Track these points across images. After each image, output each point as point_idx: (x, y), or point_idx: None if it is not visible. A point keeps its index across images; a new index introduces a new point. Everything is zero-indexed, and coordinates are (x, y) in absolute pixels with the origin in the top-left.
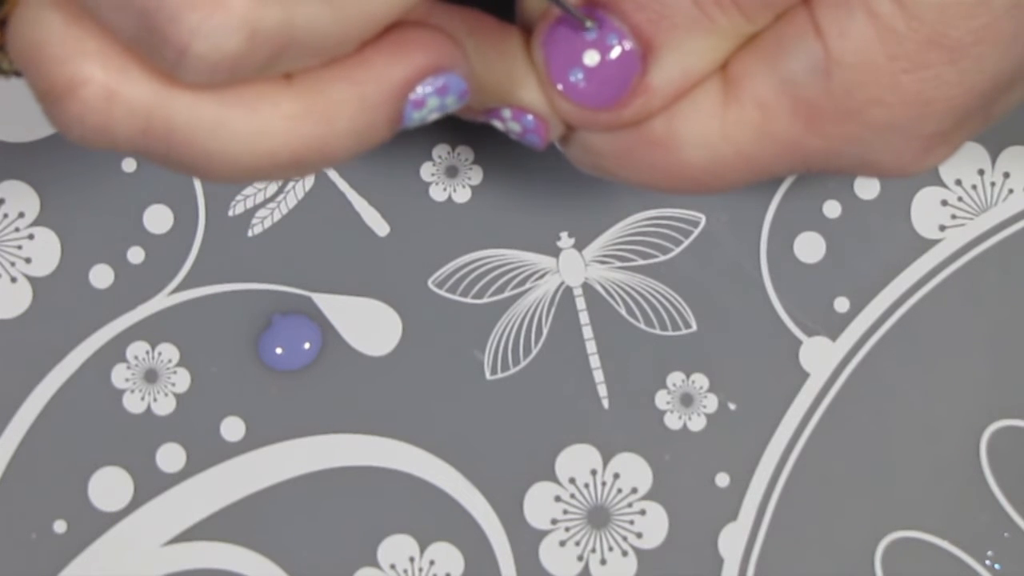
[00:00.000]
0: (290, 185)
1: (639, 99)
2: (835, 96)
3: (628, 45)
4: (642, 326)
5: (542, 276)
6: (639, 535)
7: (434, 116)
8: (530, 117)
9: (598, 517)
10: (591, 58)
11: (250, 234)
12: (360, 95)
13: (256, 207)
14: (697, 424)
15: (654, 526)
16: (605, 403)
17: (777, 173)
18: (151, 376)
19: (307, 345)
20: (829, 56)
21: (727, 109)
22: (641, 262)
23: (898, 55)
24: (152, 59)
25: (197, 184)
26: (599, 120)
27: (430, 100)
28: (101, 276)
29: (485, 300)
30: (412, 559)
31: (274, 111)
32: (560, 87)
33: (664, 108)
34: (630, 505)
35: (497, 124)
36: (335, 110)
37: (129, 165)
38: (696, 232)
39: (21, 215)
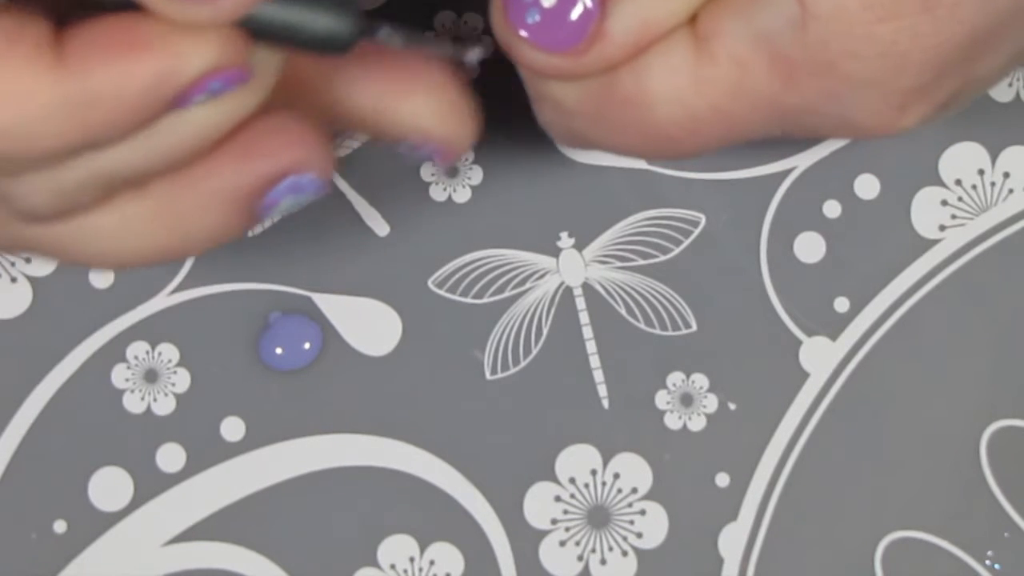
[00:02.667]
0: None
1: (597, 45)
2: (811, 50)
3: None
4: (642, 326)
5: (542, 276)
6: (639, 535)
7: (294, 209)
8: (434, 145)
9: (598, 517)
10: (548, 0)
11: (250, 234)
12: (208, 202)
13: None
14: (697, 424)
15: (654, 526)
16: (605, 403)
17: (753, 132)
18: (151, 376)
19: (307, 345)
20: (804, 9)
21: (700, 65)
22: (641, 262)
23: (872, 4)
24: None
25: None
26: (557, 66)
27: (284, 200)
28: (101, 276)
29: (485, 300)
30: (412, 559)
31: (125, 223)
32: (520, 32)
33: (626, 58)
34: (630, 505)
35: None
36: (185, 217)
37: None
38: (696, 232)
39: None
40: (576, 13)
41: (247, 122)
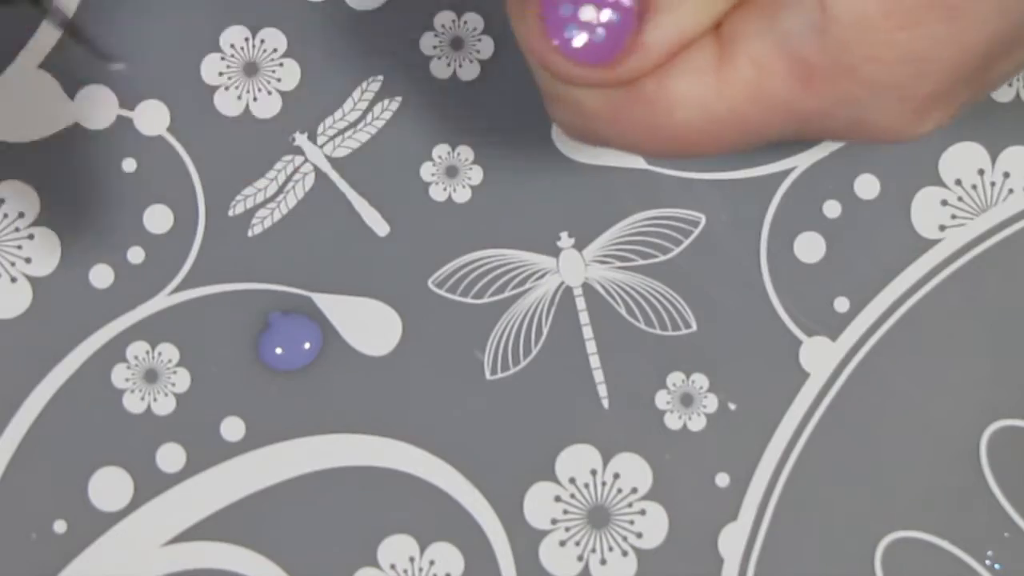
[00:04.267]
0: (290, 185)
1: (633, 56)
2: (831, 54)
3: (626, 2)
4: (642, 326)
5: (542, 276)
6: (639, 535)
7: None
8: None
9: (598, 517)
10: (587, 14)
11: (250, 234)
12: None
13: (256, 207)
14: (697, 424)
15: (654, 526)
16: (605, 403)
17: (771, 136)
18: (151, 376)
19: (307, 345)
20: (825, 13)
21: (721, 68)
22: (641, 262)
23: (893, 11)
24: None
25: (197, 184)
26: (591, 77)
27: None
28: (101, 276)
29: (485, 300)
30: (412, 559)
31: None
32: (555, 42)
33: (657, 67)
34: (630, 505)
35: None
36: None
37: (129, 165)
38: (696, 232)
39: (21, 215)
40: (616, 27)
41: None
